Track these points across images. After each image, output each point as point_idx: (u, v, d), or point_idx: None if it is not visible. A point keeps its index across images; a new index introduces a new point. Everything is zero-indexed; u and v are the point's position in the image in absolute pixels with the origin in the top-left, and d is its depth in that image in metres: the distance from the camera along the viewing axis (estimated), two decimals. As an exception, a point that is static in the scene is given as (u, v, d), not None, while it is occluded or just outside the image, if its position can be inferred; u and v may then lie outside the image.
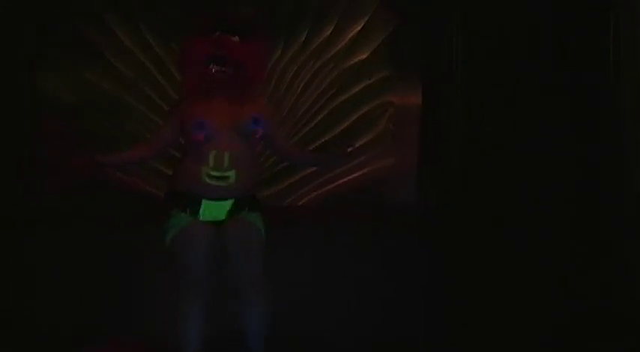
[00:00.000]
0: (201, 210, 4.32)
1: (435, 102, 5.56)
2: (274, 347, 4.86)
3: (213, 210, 4.33)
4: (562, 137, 5.09)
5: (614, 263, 4.85)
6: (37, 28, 5.46)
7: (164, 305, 5.01)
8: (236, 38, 4.36)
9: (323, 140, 5.71)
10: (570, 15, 5.04)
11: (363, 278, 5.49)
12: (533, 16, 5.16)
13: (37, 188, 5.47)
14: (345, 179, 5.74)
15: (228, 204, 4.34)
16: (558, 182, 5.09)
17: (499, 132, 5.26)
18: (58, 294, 5.37)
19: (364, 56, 5.73)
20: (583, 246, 4.99)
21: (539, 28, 5.15)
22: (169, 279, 4.53)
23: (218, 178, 4.27)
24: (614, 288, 4.81)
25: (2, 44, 5.29)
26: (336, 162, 4.76)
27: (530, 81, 5.17)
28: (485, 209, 5.26)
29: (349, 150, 4.49)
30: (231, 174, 4.27)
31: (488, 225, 5.24)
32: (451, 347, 5.11)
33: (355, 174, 5.73)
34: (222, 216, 4.34)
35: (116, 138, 5.56)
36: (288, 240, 5.09)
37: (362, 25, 5.73)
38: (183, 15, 5.57)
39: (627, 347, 4.62)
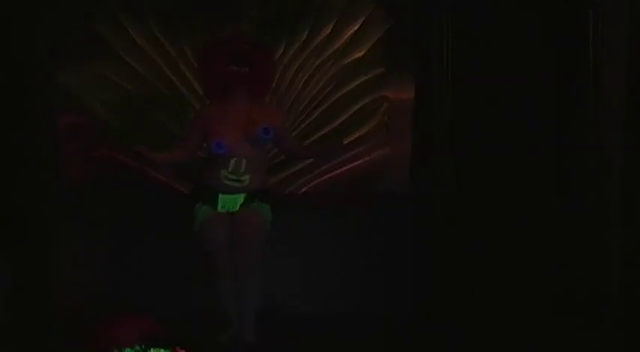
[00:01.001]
0: (219, 204, 4.82)
1: (426, 96, 5.60)
2: (274, 321, 5.10)
3: (228, 202, 4.85)
4: (547, 129, 5.20)
5: (598, 243, 4.96)
6: (55, 28, 5.54)
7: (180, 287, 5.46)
8: (247, 45, 4.91)
9: (323, 132, 5.82)
10: (553, 14, 5.16)
11: (360, 259, 5.65)
12: (518, 17, 5.25)
13: (57, 181, 5.58)
14: (344, 168, 5.85)
15: (240, 198, 4.82)
16: (545, 170, 5.20)
17: (487, 124, 5.32)
18: (83, 276, 5.56)
19: (361, 54, 5.82)
20: (570, 233, 5.06)
21: (524, 28, 5.24)
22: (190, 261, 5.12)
23: (235, 180, 4.80)
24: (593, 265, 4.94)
25: (24, 44, 5.34)
26: (333, 155, 5.28)
27: (515, 77, 5.24)
28: (474, 194, 5.34)
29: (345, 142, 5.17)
30: (247, 178, 4.80)
31: (477, 209, 5.32)
32: (440, 324, 5.20)
33: (353, 164, 5.84)
34: (236, 208, 4.84)
35: (129, 131, 5.71)
36: (290, 224, 5.30)
37: (359, 25, 5.81)
38: (191, 15, 5.73)
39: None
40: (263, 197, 4.91)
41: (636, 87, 4.92)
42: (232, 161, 4.79)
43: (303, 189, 5.85)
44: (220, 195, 4.85)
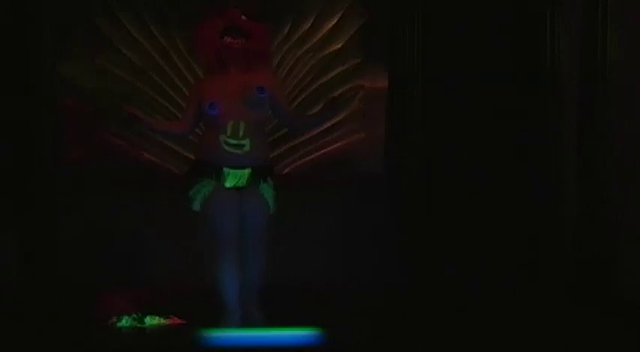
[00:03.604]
0: (225, 178, 4.66)
1: (399, 85, 5.82)
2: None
3: (234, 177, 4.66)
4: (511, 111, 5.47)
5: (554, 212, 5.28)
6: (59, 23, 5.79)
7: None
8: (244, 17, 4.78)
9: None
10: (515, 11, 5.50)
11: (340, 234, 5.92)
12: (484, 14, 5.56)
13: (62, 158, 5.77)
14: (324, 151, 6.12)
15: (246, 173, 4.66)
16: (511, 149, 5.45)
17: (455, 110, 5.61)
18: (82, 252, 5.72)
19: (339, 46, 6.10)
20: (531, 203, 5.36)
21: (489, 23, 5.55)
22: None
23: (235, 146, 4.61)
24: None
25: (31, 37, 5.57)
26: (326, 118, 5.09)
27: (480, 66, 5.55)
28: (442, 173, 5.63)
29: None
30: (246, 142, 4.62)
31: (446, 187, 5.61)
32: (412, 295, 5.40)
33: (332, 147, 6.12)
34: (242, 183, 4.66)
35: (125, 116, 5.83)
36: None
37: (337, 19, 6.09)
38: (180, 10, 5.99)
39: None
40: (267, 173, 4.76)
41: (589, 77, 5.35)
42: (230, 124, 4.60)
43: (286, 170, 6.03)
44: (225, 169, 4.65)
